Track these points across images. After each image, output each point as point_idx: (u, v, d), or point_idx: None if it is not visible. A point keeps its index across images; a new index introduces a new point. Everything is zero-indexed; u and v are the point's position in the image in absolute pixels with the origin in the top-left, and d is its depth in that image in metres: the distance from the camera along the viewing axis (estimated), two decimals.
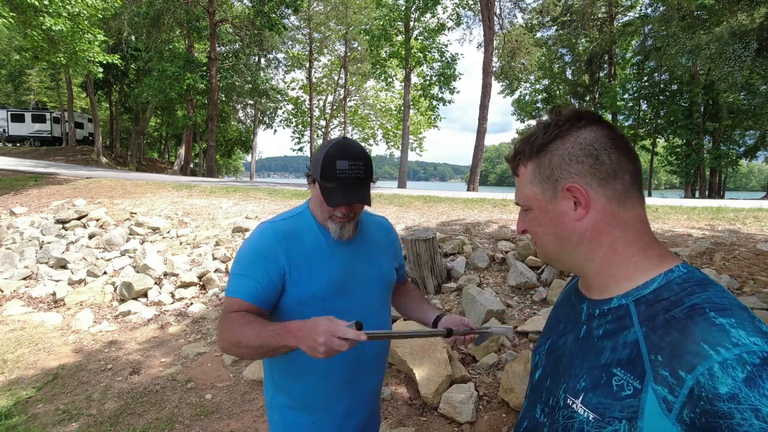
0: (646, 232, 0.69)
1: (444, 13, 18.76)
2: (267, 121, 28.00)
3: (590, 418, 0.63)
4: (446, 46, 18.00)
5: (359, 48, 25.85)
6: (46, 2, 9.10)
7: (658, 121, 22.42)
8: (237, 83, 22.96)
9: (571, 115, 0.70)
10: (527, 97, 27.25)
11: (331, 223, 1.23)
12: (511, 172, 0.80)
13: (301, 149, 31.16)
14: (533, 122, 0.79)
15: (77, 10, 9.72)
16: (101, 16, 11.51)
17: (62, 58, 10.81)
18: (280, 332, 1.02)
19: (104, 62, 11.72)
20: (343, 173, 1.16)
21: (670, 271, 0.66)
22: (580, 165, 0.68)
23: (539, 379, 0.81)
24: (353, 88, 29.26)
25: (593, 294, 0.74)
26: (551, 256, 0.77)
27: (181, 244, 6.40)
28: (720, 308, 0.57)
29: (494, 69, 17.82)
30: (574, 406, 0.66)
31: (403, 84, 19.45)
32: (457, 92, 18.19)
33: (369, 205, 1.22)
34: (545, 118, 0.74)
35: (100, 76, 12.50)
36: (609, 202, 0.68)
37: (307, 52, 27.70)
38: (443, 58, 17.74)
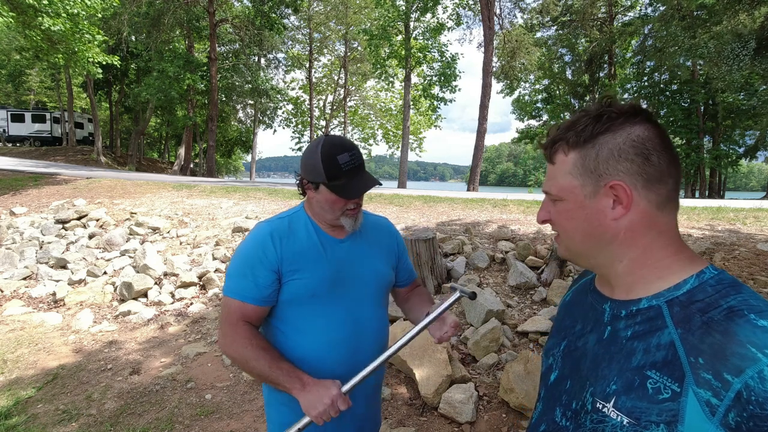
0: (677, 236, 0.69)
1: (444, 13, 18.77)
2: (267, 121, 28.00)
3: (624, 423, 0.61)
4: (446, 46, 18.02)
5: (359, 48, 25.85)
6: (45, 2, 9.10)
7: (658, 121, 22.39)
8: (237, 83, 22.97)
9: (627, 109, 0.67)
10: (527, 97, 27.25)
11: (346, 219, 1.25)
12: (545, 158, 0.74)
13: (300, 149, 31.17)
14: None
15: (76, 10, 9.71)
16: (100, 16, 11.50)
17: (61, 58, 10.81)
18: (290, 377, 1.12)
19: (104, 63, 11.71)
20: (347, 165, 1.19)
21: (702, 272, 0.65)
22: (629, 163, 0.65)
23: (556, 381, 0.78)
24: (353, 88, 29.26)
25: (617, 294, 0.71)
26: (576, 251, 0.73)
27: (181, 244, 6.40)
28: (758, 310, 0.56)
29: (494, 69, 17.82)
30: (605, 410, 0.64)
31: (403, 84, 19.45)
32: (458, 89, 18.18)
33: (380, 184, 1.28)
34: (593, 107, 0.70)
35: (99, 75, 12.50)
36: (650, 205, 0.66)
37: (307, 52, 27.71)
38: (443, 58, 17.75)
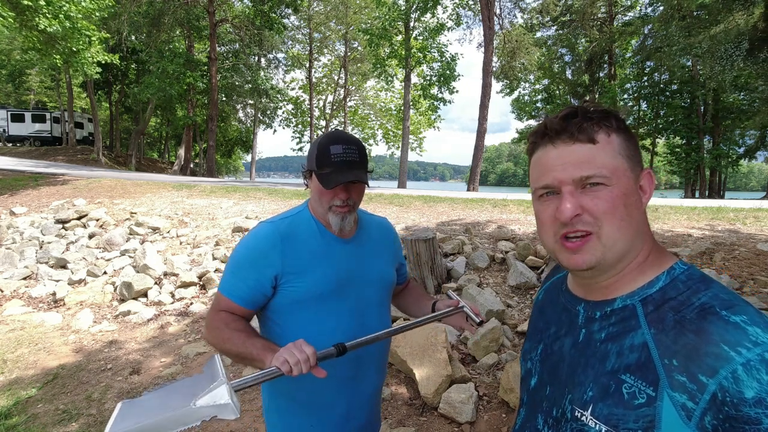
0: None
1: (444, 13, 18.73)
2: (267, 121, 28.01)
3: (603, 431, 0.59)
4: (446, 46, 18.02)
5: (359, 48, 25.85)
6: (42, 2, 9.09)
7: (658, 120, 22.43)
8: (237, 83, 22.97)
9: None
10: (527, 97, 27.26)
11: (332, 216, 1.22)
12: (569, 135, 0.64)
13: (301, 149, 31.17)
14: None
15: (72, 12, 9.68)
16: (98, 16, 11.48)
17: (59, 60, 10.77)
18: (264, 350, 1.08)
19: (103, 62, 11.69)
20: (338, 157, 1.16)
21: (672, 268, 0.64)
22: (640, 155, 0.67)
23: (536, 387, 0.76)
24: (353, 88, 29.25)
25: (592, 295, 0.69)
26: (621, 251, 0.63)
27: (181, 244, 6.40)
28: (728, 305, 0.55)
29: (494, 69, 17.81)
30: (583, 418, 0.62)
31: (403, 84, 19.46)
32: (456, 92, 18.19)
33: (367, 184, 1.21)
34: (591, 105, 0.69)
35: (97, 75, 12.48)
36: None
37: (307, 52, 27.70)
38: (443, 58, 17.75)
